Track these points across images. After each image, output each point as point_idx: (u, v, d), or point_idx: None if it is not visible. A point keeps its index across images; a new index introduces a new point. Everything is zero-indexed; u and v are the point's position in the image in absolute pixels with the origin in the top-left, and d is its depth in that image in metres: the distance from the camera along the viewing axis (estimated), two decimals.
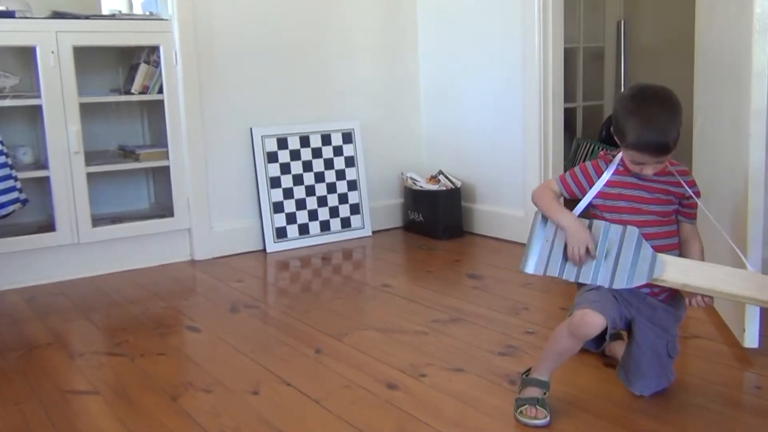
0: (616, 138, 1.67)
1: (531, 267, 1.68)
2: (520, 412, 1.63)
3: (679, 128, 1.60)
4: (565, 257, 1.66)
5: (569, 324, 1.60)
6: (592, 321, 1.57)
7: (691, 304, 1.67)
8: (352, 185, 3.61)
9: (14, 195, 2.52)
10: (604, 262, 1.64)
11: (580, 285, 1.70)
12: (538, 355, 2.00)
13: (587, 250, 1.63)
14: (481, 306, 2.47)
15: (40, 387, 1.94)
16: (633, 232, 1.64)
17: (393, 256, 3.30)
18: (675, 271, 1.61)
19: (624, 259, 1.63)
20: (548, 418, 1.60)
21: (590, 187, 1.70)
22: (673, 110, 1.59)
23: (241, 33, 3.30)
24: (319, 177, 3.52)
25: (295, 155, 3.46)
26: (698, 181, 2.51)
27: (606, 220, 1.68)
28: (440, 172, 3.64)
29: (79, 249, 3.02)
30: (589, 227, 1.66)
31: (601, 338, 1.67)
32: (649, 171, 1.63)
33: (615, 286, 1.62)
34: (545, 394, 1.65)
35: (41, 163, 3.04)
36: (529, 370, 1.72)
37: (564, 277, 1.66)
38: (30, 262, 2.93)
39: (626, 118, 1.60)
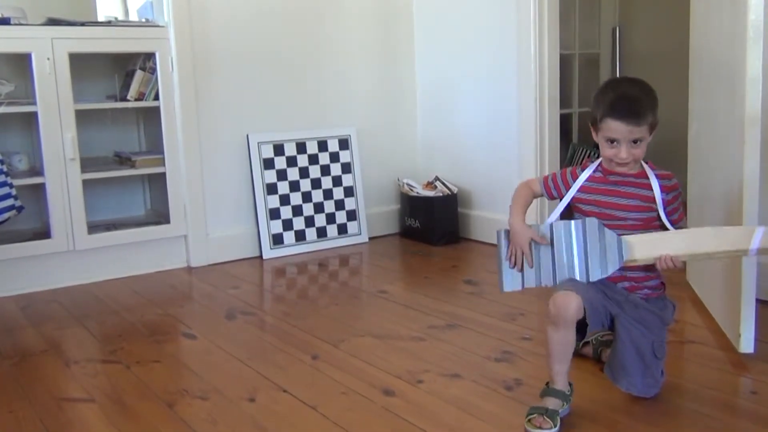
0: (592, 130, 1.72)
1: (507, 285, 1.70)
2: (529, 420, 1.60)
3: (655, 111, 1.64)
4: (538, 266, 1.67)
5: (547, 315, 1.62)
6: (564, 301, 1.58)
7: (660, 267, 1.64)
8: (349, 191, 3.61)
9: (9, 202, 2.51)
10: (575, 259, 1.65)
11: None
12: (533, 360, 2.01)
13: (528, 251, 1.67)
14: (477, 312, 2.47)
15: (34, 394, 1.94)
16: (593, 222, 1.66)
17: (389, 262, 3.29)
18: (643, 249, 1.63)
19: (592, 251, 1.65)
20: (554, 430, 1.57)
21: (567, 191, 1.74)
22: (646, 89, 1.65)
23: (238, 39, 3.31)
24: (316, 183, 3.52)
25: (291, 162, 3.46)
26: (693, 188, 2.52)
27: None
28: (436, 178, 3.65)
29: (75, 256, 3.02)
30: (551, 229, 1.68)
31: (583, 325, 1.67)
32: (623, 154, 1.63)
33: (592, 279, 1.65)
34: (564, 405, 1.64)
35: (37, 170, 3.04)
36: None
37: (542, 284, 1.68)
38: (25, 269, 2.92)
39: (600, 98, 1.67)
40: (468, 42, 3.51)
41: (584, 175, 1.73)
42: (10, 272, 2.89)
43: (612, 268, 1.64)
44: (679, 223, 1.73)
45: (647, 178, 1.70)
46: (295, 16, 3.45)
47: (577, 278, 1.65)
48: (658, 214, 1.70)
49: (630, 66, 4.47)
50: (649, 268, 1.69)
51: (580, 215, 1.74)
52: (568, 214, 1.76)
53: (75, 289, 2.97)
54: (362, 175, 3.65)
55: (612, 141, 1.64)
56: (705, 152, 2.38)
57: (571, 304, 1.57)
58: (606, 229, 1.65)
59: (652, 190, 1.68)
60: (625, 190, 1.69)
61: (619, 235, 1.65)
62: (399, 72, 3.80)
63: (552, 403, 1.62)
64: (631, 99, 1.63)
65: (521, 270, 1.68)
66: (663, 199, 1.67)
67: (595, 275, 1.65)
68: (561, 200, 1.75)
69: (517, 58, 3.24)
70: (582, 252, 1.66)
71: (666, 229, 1.70)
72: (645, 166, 1.71)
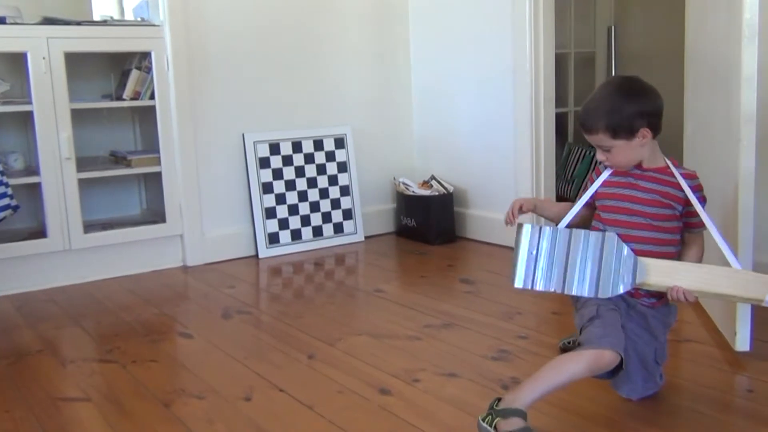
0: None
1: (520, 282, 1.67)
2: None
3: (626, 113, 1.61)
4: (551, 269, 1.65)
5: (586, 361, 1.54)
6: (610, 362, 1.54)
7: (671, 297, 1.60)
8: (345, 190, 3.61)
9: (5, 201, 2.50)
10: (587, 272, 1.62)
11: (574, 298, 1.71)
12: (530, 359, 2.01)
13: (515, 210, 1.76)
14: (474, 311, 2.48)
15: (30, 394, 1.93)
16: (612, 237, 1.63)
17: (386, 261, 3.30)
18: (658, 274, 1.61)
19: (606, 267, 1.62)
20: None
21: (590, 186, 1.76)
22: (619, 93, 1.64)
23: (233, 38, 3.30)
24: (312, 182, 3.52)
25: (287, 161, 3.46)
26: None
27: (605, 221, 1.70)
28: (432, 177, 3.65)
29: (71, 255, 3.01)
30: (570, 236, 1.66)
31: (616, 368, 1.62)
32: (600, 156, 1.70)
33: (600, 296, 1.61)
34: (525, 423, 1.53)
35: (32, 170, 3.03)
36: (498, 400, 1.55)
37: (551, 290, 1.64)
38: (21, 268, 2.92)
39: None
40: (464, 40, 3.51)
41: (608, 170, 1.74)
42: (5, 272, 2.88)
43: (623, 289, 1.60)
44: (698, 228, 1.70)
45: (671, 175, 1.68)
46: (291, 14, 3.45)
47: (586, 294, 1.61)
48: (678, 213, 1.68)
49: (625, 65, 4.47)
50: (659, 293, 1.66)
51: (599, 212, 1.73)
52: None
53: (71, 288, 2.97)
54: (358, 174, 3.65)
55: None
56: (701, 151, 2.38)
57: (614, 363, 1.55)
58: (624, 246, 1.62)
59: (676, 187, 1.67)
60: (644, 184, 1.69)
61: (637, 228, 1.65)
62: (395, 71, 3.80)
63: (519, 423, 1.49)
64: (585, 109, 1.68)
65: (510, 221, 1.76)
66: (699, 198, 1.67)
67: (605, 293, 1.60)
68: (580, 198, 1.76)
69: (512, 57, 3.24)
70: (596, 266, 1.62)
71: (687, 227, 1.70)
72: (669, 162, 1.70)
